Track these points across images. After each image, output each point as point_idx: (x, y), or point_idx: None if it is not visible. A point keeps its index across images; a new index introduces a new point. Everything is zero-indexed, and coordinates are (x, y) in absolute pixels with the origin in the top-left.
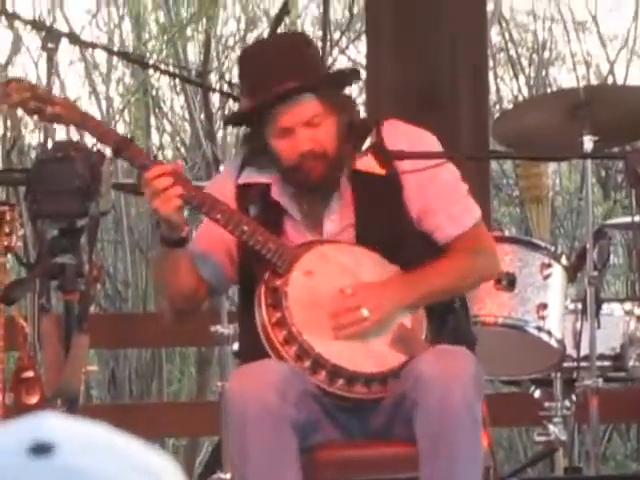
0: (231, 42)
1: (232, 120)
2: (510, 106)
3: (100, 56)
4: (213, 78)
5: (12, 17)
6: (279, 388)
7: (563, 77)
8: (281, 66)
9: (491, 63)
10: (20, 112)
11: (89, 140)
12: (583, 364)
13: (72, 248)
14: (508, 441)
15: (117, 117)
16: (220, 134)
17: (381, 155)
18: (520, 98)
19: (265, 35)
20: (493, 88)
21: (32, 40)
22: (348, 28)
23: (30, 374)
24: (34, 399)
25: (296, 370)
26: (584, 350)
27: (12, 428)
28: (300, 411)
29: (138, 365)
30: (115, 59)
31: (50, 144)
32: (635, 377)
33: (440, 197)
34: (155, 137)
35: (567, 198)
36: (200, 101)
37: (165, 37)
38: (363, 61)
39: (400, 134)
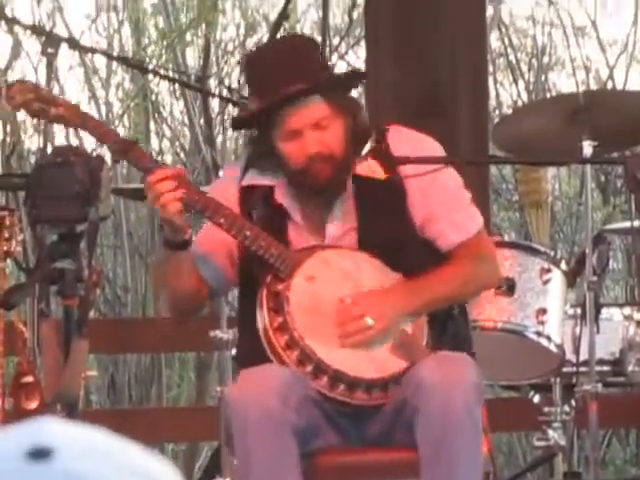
0: (230, 47)
1: (239, 123)
2: (510, 111)
3: (100, 61)
4: (212, 83)
5: (12, 22)
6: (280, 393)
7: (562, 82)
8: (288, 68)
9: (491, 68)
10: (20, 117)
11: (88, 145)
12: (582, 369)
13: (71, 253)
14: (508, 446)
15: (117, 122)
16: (219, 139)
17: (382, 159)
18: (519, 103)
19: (264, 40)
20: (493, 93)
21: (32, 45)
22: (347, 33)
23: (29, 379)
24: (34, 404)
25: (297, 375)
26: (583, 355)
27: (11, 433)
28: (301, 416)
29: (137, 370)
30: (115, 64)
31: (49, 149)
32: (634, 382)
33: (443, 204)
34: (154, 142)
35: (566, 203)
36: (199, 106)
37: (164, 42)
38: (362, 66)
39: (404, 140)
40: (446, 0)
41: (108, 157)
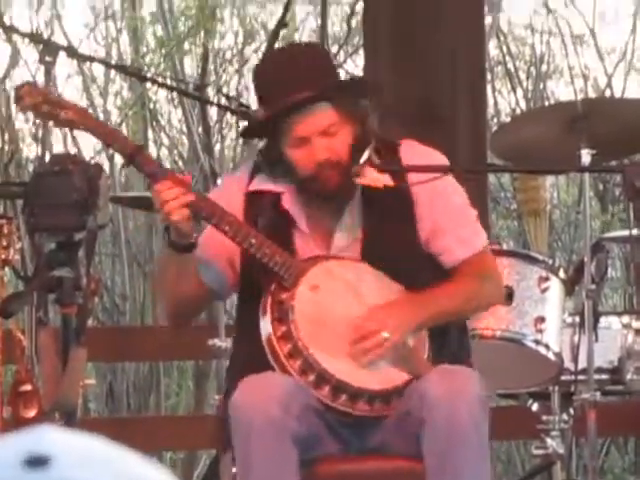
0: (229, 55)
1: (248, 131)
2: (508, 119)
3: (98, 69)
4: (211, 91)
5: (10, 30)
6: (282, 401)
7: (561, 90)
8: (296, 76)
9: (489, 76)
10: (18, 125)
11: (86, 153)
12: (581, 377)
13: (70, 261)
14: (506, 454)
15: None
16: (218, 147)
17: (381, 169)
18: (518, 111)
19: (263, 48)
20: (491, 101)
21: (30, 53)
22: (346, 42)
23: (28, 387)
24: (32, 412)
25: (300, 384)
26: (582, 363)
27: (9, 441)
28: (302, 424)
29: (136, 378)
30: (113, 72)
31: (47, 157)
32: (633, 390)
33: (450, 220)
34: (153, 150)
35: (565, 211)
36: (198, 114)
37: (163, 50)
38: (361, 75)
39: (417, 154)
40: (445, 8)
41: (106, 165)
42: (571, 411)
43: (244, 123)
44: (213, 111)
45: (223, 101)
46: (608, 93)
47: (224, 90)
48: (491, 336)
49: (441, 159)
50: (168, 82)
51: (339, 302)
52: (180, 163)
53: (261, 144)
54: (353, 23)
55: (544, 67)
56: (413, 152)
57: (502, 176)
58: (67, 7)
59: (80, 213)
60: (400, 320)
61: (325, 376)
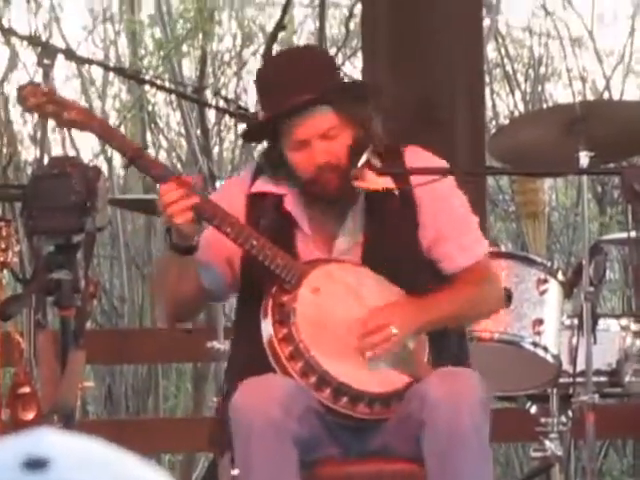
0: (227, 58)
1: (249, 133)
2: (506, 122)
3: (96, 72)
4: (209, 94)
5: (8, 33)
6: (283, 403)
7: (559, 92)
8: (297, 78)
9: (487, 79)
10: (16, 127)
11: (85, 156)
12: (579, 380)
13: (68, 264)
14: (504, 457)
15: None
16: (216, 150)
17: (378, 172)
18: (516, 114)
19: (261, 51)
20: (489, 104)
21: (28, 56)
22: (344, 44)
23: (26, 390)
24: (30, 415)
25: (300, 386)
26: (580, 366)
27: (8, 443)
28: (303, 426)
29: (134, 381)
30: (111, 75)
31: (46, 160)
32: (631, 393)
33: (453, 228)
34: (151, 153)
35: (563, 214)
36: (196, 117)
37: (161, 53)
38: (359, 77)
39: (421, 160)
40: (443, 11)
41: (105, 168)
42: (569, 413)
43: (242, 126)
44: (211, 114)
45: (221, 104)
46: (606, 95)
47: (222, 93)
48: (489, 338)
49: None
50: (166, 85)
51: (340, 305)
52: (178, 166)
53: (260, 146)
54: (351, 26)
55: (542, 69)
56: (417, 158)
57: (500, 178)
58: (65, 10)
59: (78, 215)
60: (405, 318)
61: (326, 378)
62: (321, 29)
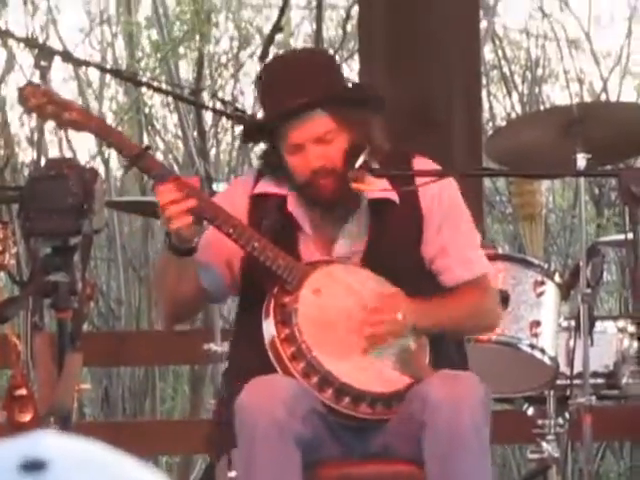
0: (224, 60)
1: (247, 134)
2: (503, 123)
3: (93, 74)
4: (206, 96)
5: (5, 35)
6: (287, 404)
7: (556, 94)
8: (295, 81)
9: (484, 80)
10: (13, 129)
11: (82, 157)
12: (576, 382)
13: (65, 266)
14: (502, 458)
15: None
16: (213, 152)
17: (375, 173)
18: (513, 115)
19: (258, 53)
20: (486, 105)
21: (25, 58)
22: (341, 46)
23: (23, 392)
24: (27, 417)
25: (304, 387)
26: (577, 368)
27: (6, 445)
28: (306, 427)
29: (131, 383)
30: (108, 77)
31: (43, 162)
32: (628, 395)
33: (456, 242)
34: None
35: (560, 215)
36: (193, 119)
37: (158, 55)
38: (356, 79)
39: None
40: (440, 12)
41: (102, 170)
42: (567, 415)
43: (239, 128)
44: (208, 116)
45: (218, 106)
46: (603, 97)
47: (219, 94)
48: (486, 340)
49: (450, 181)
50: (163, 87)
51: (341, 305)
52: (175, 168)
53: (258, 149)
54: (348, 27)
55: (539, 71)
56: (426, 167)
57: (497, 180)
58: (62, 12)
59: (76, 217)
60: (412, 309)
61: (329, 378)
62: (318, 31)
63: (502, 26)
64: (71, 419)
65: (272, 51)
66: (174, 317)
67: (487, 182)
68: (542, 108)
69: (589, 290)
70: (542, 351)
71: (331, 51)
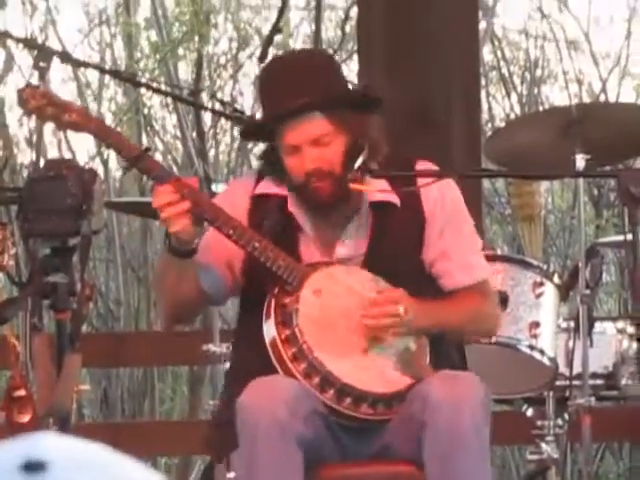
0: (223, 61)
1: (247, 132)
2: (502, 124)
3: (92, 75)
4: (205, 97)
5: (4, 35)
6: (289, 404)
7: (555, 95)
8: (294, 83)
9: (483, 81)
10: (12, 130)
11: (81, 158)
12: (575, 383)
13: (64, 267)
14: (501, 459)
15: None
16: (212, 153)
17: (371, 174)
18: (512, 116)
19: (257, 54)
20: (485, 106)
21: (24, 59)
22: (340, 47)
23: (22, 393)
24: (26, 418)
25: (306, 388)
26: (577, 369)
27: (7, 446)
28: (308, 428)
29: (130, 384)
30: (107, 78)
31: (42, 163)
32: (627, 396)
33: (457, 246)
34: None
35: (559, 216)
36: (192, 120)
37: (157, 56)
38: (355, 80)
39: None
40: (439, 13)
41: (100, 170)
42: (566, 416)
43: (238, 128)
44: (207, 116)
45: (217, 106)
46: (602, 98)
47: (218, 95)
48: (486, 341)
49: (452, 184)
50: (162, 87)
51: (342, 306)
52: (174, 168)
53: (256, 149)
54: (347, 28)
55: (538, 72)
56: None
57: (496, 181)
58: (61, 12)
59: (74, 218)
60: (413, 305)
61: (330, 379)
62: (317, 32)
63: (501, 27)
64: (70, 420)
65: (271, 52)
66: (174, 319)
67: (486, 183)
68: (541, 109)
69: (588, 291)
70: (541, 352)
71: (330, 52)
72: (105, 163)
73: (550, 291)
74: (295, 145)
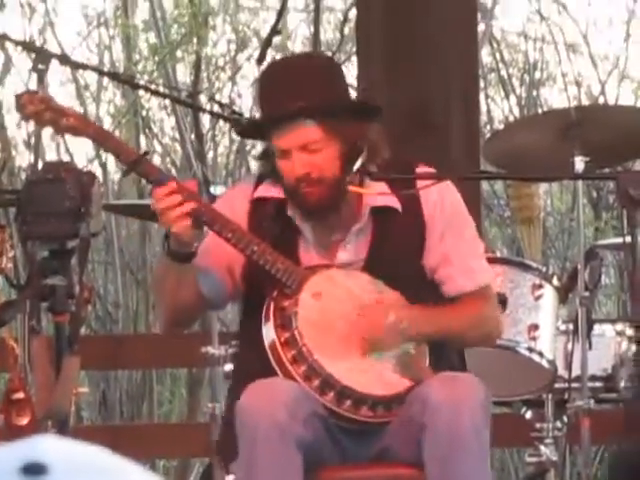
0: (221, 63)
1: (243, 130)
2: (501, 126)
3: (90, 77)
4: (203, 99)
5: (2, 38)
6: (289, 407)
7: (554, 97)
8: (292, 86)
9: (482, 83)
10: (10, 133)
11: (79, 161)
12: (574, 385)
13: (62, 269)
14: (500, 462)
15: None
16: (211, 155)
17: (371, 177)
18: (511, 118)
19: (255, 56)
20: (484, 108)
21: (22, 61)
22: (339, 49)
23: (21, 395)
24: (25, 420)
25: (305, 391)
26: (575, 371)
27: (6, 449)
28: (307, 430)
29: (129, 386)
30: (106, 80)
31: (40, 165)
32: (626, 398)
33: (458, 251)
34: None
35: (558, 219)
36: (190, 122)
37: (155, 58)
38: (354, 82)
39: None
40: (438, 15)
41: (99, 173)
42: (565, 419)
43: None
44: (206, 118)
45: (216, 108)
46: (601, 100)
47: (217, 97)
48: None
49: (453, 187)
50: (161, 89)
51: (341, 309)
52: (173, 171)
53: (254, 152)
54: (346, 30)
55: (537, 74)
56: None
57: (495, 183)
58: (60, 15)
59: (73, 221)
60: (412, 314)
61: (330, 381)
62: (316, 34)
63: (500, 29)
64: (68, 422)
65: (270, 54)
66: (173, 323)
67: (485, 185)
68: (540, 111)
69: (587, 293)
70: (540, 354)
71: (329, 54)
72: (103, 166)
73: (549, 293)
74: (285, 149)
